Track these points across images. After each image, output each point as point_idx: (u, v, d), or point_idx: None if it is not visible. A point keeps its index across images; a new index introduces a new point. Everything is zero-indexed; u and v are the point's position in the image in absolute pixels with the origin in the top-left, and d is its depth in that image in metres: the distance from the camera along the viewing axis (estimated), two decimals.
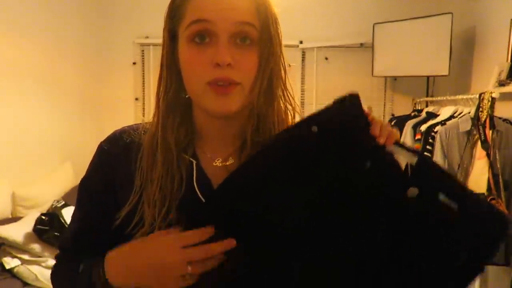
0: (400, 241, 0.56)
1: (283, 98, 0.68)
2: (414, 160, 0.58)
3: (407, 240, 0.56)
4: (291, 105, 0.68)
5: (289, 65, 0.68)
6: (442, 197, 0.55)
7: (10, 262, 2.20)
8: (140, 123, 0.72)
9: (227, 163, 0.68)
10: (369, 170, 0.57)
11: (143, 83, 3.87)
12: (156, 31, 3.73)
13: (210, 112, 0.63)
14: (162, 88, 0.66)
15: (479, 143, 2.24)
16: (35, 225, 2.29)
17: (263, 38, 0.61)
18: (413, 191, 0.55)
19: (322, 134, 0.58)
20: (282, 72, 0.66)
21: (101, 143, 0.70)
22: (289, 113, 0.68)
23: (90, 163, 0.71)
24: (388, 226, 0.56)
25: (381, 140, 0.58)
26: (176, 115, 0.66)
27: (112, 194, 0.66)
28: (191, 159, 0.66)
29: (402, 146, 0.60)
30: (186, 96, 0.67)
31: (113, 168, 0.67)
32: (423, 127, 2.70)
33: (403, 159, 0.59)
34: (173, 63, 0.65)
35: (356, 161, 0.58)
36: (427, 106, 3.20)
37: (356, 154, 0.58)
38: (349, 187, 0.58)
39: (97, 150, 0.70)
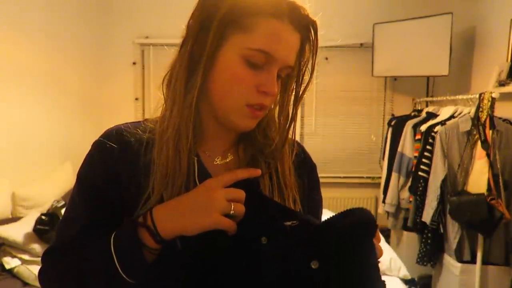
0: None
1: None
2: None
3: None
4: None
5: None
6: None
7: (10, 262, 2.20)
8: (139, 122, 0.71)
9: (227, 160, 0.71)
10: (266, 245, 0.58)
11: (143, 83, 3.87)
12: (156, 31, 3.71)
13: (233, 128, 0.67)
14: (194, 84, 0.63)
15: (479, 143, 2.24)
16: (35, 225, 2.30)
17: (293, 74, 0.67)
18: (315, 264, 0.56)
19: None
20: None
21: (99, 139, 0.68)
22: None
23: (88, 158, 0.68)
24: None
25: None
26: (191, 111, 0.65)
27: (116, 189, 0.65)
28: (193, 156, 0.66)
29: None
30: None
31: (115, 162, 0.65)
32: (423, 127, 2.70)
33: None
34: (210, 63, 0.62)
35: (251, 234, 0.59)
36: (427, 106, 3.20)
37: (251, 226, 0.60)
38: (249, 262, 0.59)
39: (95, 145, 0.68)
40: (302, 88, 0.69)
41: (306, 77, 0.69)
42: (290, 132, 0.70)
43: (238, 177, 0.62)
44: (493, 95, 2.22)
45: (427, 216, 2.46)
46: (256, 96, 0.63)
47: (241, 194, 0.60)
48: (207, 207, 0.57)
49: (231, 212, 0.58)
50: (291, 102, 0.70)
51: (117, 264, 0.57)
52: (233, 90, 0.62)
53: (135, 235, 0.58)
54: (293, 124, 0.70)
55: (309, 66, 0.69)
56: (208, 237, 0.58)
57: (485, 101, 2.23)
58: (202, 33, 0.62)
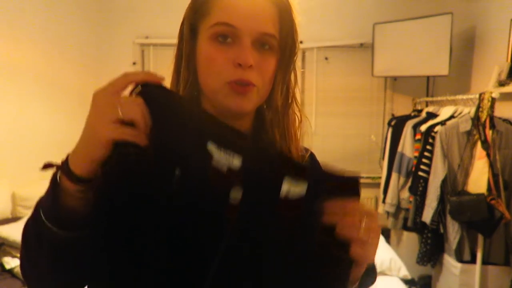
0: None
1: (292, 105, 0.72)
2: (237, 163, 0.53)
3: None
4: (298, 110, 0.72)
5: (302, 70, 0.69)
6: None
7: (10, 262, 2.20)
8: None
9: None
10: (179, 178, 0.51)
11: None
12: (156, 31, 3.70)
13: (226, 110, 0.65)
14: (181, 81, 0.67)
15: (479, 143, 2.24)
16: None
17: (282, 47, 0.65)
18: (236, 193, 0.52)
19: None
20: (293, 78, 0.71)
21: None
22: (296, 118, 0.72)
23: None
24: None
25: None
26: None
27: None
28: None
29: (223, 141, 0.53)
30: (195, 93, 0.69)
31: None
32: (423, 127, 2.70)
33: (223, 162, 0.53)
34: (192, 57, 0.66)
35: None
36: (427, 106, 3.20)
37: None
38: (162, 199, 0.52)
39: None
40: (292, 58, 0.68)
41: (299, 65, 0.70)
42: (291, 112, 0.70)
43: (134, 79, 0.55)
44: (493, 95, 2.22)
45: (427, 216, 2.46)
46: (234, 71, 0.62)
47: (132, 99, 0.53)
48: (95, 119, 0.52)
49: (120, 115, 0.50)
50: (292, 92, 0.70)
51: (41, 213, 0.58)
52: (210, 70, 0.64)
53: (53, 179, 0.58)
54: (294, 104, 0.70)
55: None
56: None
57: (485, 101, 2.23)
58: (184, 31, 0.67)
